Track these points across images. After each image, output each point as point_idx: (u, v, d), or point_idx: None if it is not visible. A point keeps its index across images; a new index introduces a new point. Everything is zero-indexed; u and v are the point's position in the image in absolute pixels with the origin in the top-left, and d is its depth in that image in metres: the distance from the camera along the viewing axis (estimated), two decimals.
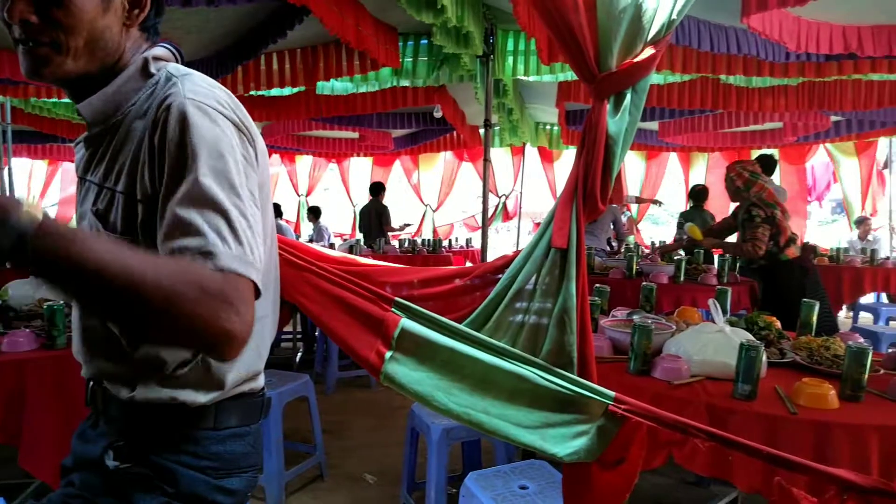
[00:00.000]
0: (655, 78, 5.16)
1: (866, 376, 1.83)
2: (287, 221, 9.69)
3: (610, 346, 2.24)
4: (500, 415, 1.18)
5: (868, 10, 3.62)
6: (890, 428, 1.64)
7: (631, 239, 8.32)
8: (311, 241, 8.74)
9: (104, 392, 1.04)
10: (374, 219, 8.11)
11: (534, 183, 11.39)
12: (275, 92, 5.66)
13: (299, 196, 11.42)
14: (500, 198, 11.07)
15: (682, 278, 4.05)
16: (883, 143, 8.83)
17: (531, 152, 10.66)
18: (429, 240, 8.36)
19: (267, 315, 1.07)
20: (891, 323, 6.22)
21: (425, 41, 4.95)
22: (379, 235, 7.86)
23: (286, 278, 1.13)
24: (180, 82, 0.89)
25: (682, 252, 5.00)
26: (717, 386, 1.88)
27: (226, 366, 1.00)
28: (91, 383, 1.07)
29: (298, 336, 5.58)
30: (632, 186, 10.63)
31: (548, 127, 8.50)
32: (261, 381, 1.11)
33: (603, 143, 1.22)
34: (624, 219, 9.80)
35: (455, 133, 8.39)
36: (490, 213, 10.51)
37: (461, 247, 8.64)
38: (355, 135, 8.25)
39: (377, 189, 8.30)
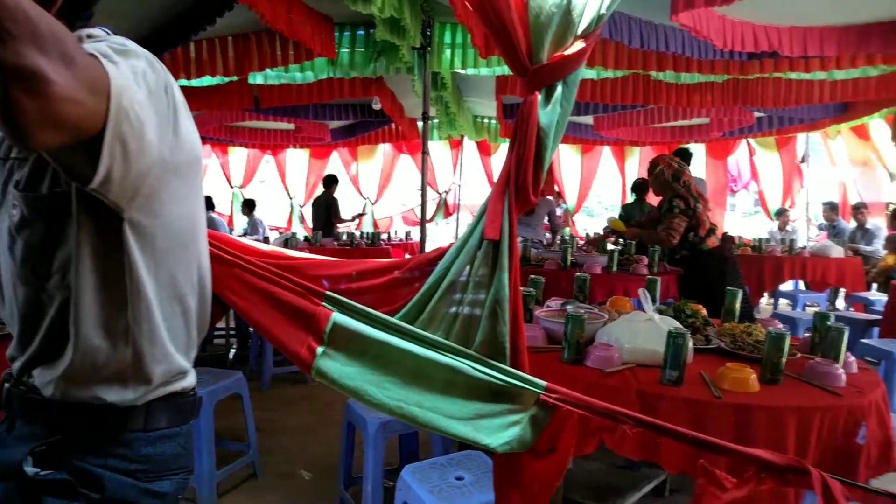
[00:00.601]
0: (589, 73, 5.27)
1: (784, 360, 1.92)
2: (220, 214, 9.42)
3: (545, 336, 2.27)
4: (434, 407, 1.18)
5: (785, 13, 3.81)
6: (805, 409, 1.73)
7: (566, 231, 8.49)
8: (245, 234, 8.57)
9: (21, 393, 0.98)
10: (322, 211, 8.09)
11: (473, 176, 11.46)
12: (206, 81, 5.47)
13: (233, 188, 11.11)
14: (440, 193, 11.08)
15: (614, 269, 4.16)
16: (801, 138, 9.31)
17: (470, 145, 10.73)
18: (368, 232, 8.30)
19: (192, 311, 1.03)
20: (808, 309, 6.58)
21: (362, 32, 4.89)
22: (327, 228, 7.80)
23: (213, 274, 1.09)
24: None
25: (621, 242, 5.16)
26: (647, 373, 1.93)
27: (154, 359, 0.95)
28: (6, 384, 1.01)
29: (232, 332, 5.43)
30: (568, 179, 10.84)
31: (486, 120, 8.57)
32: (191, 380, 1.07)
33: (535, 136, 1.23)
34: (559, 211, 10.01)
35: (394, 125, 8.35)
36: (429, 206, 10.55)
37: (400, 240, 8.61)
38: (291, 126, 8.09)
39: (329, 182, 8.27)
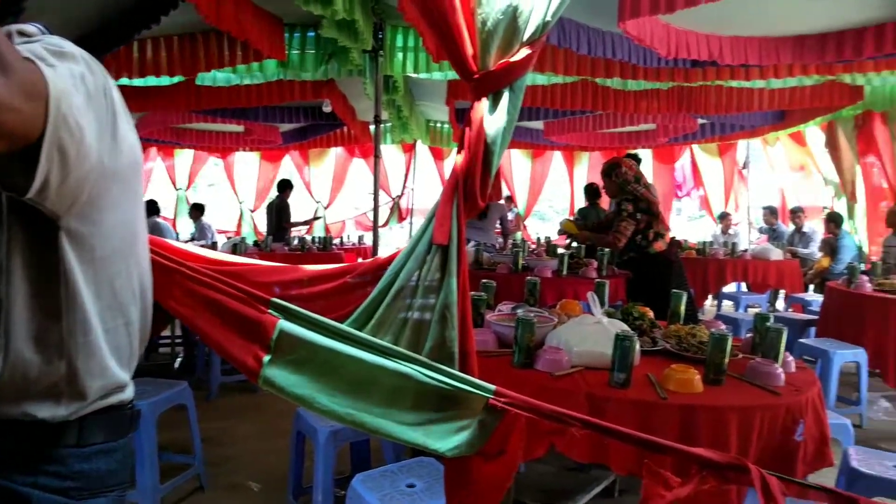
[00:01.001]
0: (540, 79, 5.34)
1: (727, 361, 1.98)
2: (165, 219, 9.16)
3: (496, 340, 2.28)
4: (384, 414, 1.17)
5: (725, 23, 3.94)
6: (746, 408, 1.79)
7: (518, 235, 8.57)
8: (192, 239, 8.39)
9: None
10: (274, 216, 8.07)
11: (426, 180, 11.46)
12: (151, 81, 5.31)
13: (177, 190, 10.81)
14: (393, 198, 11.03)
15: (564, 272, 4.22)
16: (742, 145, 9.66)
17: (423, 149, 10.74)
18: (320, 237, 8.20)
19: (133, 321, 0.99)
20: (749, 310, 6.81)
21: (312, 33, 4.83)
22: (279, 232, 7.73)
23: (154, 281, 1.05)
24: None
25: (573, 246, 5.24)
26: (596, 375, 1.96)
27: (90, 373, 0.91)
28: None
29: (178, 340, 5.27)
30: (518, 184, 10.95)
31: (438, 125, 8.59)
32: (129, 393, 1.03)
33: (482, 141, 1.24)
34: (511, 215, 10.11)
35: (346, 128, 8.28)
36: (383, 211, 10.49)
37: (353, 244, 8.53)
38: (240, 128, 7.94)
39: (283, 186, 8.22)
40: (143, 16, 3.77)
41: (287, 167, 11.13)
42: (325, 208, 11.19)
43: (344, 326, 1.20)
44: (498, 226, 6.81)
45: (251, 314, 1.15)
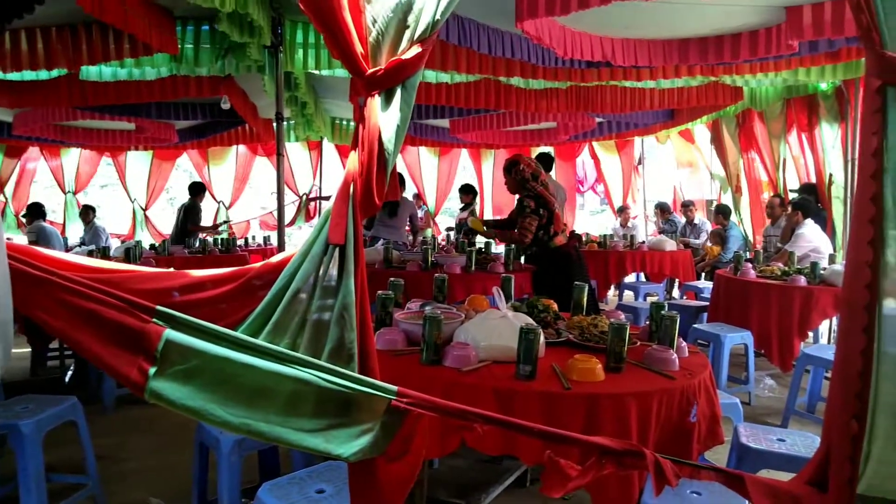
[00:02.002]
0: (443, 77, 5.37)
1: (626, 349, 2.06)
2: (52, 223, 8.51)
3: (404, 339, 2.27)
4: (283, 422, 1.12)
5: (617, 25, 4.12)
6: (645, 394, 1.87)
7: (428, 232, 8.61)
8: (83, 243, 7.86)
9: None
10: (180, 218, 7.91)
11: (335, 179, 11.26)
12: (28, 76, 4.91)
13: (66, 193, 10.08)
14: (300, 197, 10.77)
15: (472, 268, 4.27)
16: (637, 142, 10.14)
17: (329, 148, 10.54)
18: (223, 239, 7.88)
19: None
20: (648, 299, 7.16)
21: (207, 27, 4.61)
22: (182, 235, 7.54)
23: (19, 292, 0.96)
24: None
25: (481, 242, 5.31)
26: (503, 369, 1.99)
27: None
28: None
29: (67, 352, 4.91)
30: (427, 182, 10.97)
31: (344, 122, 8.45)
32: None
33: (376, 139, 1.21)
34: (421, 213, 10.13)
35: (248, 126, 8.00)
36: (290, 210, 10.22)
37: (259, 245, 8.25)
38: (131, 126, 7.48)
39: (196, 189, 8.10)
40: (14, 5, 3.47)
41: (185, 166, 10.61)
42: (228, 208, 10.76)
43: (237, 333, 1.14)
44: (408, 223, 6.82)
45: (133, 324, 1.07)
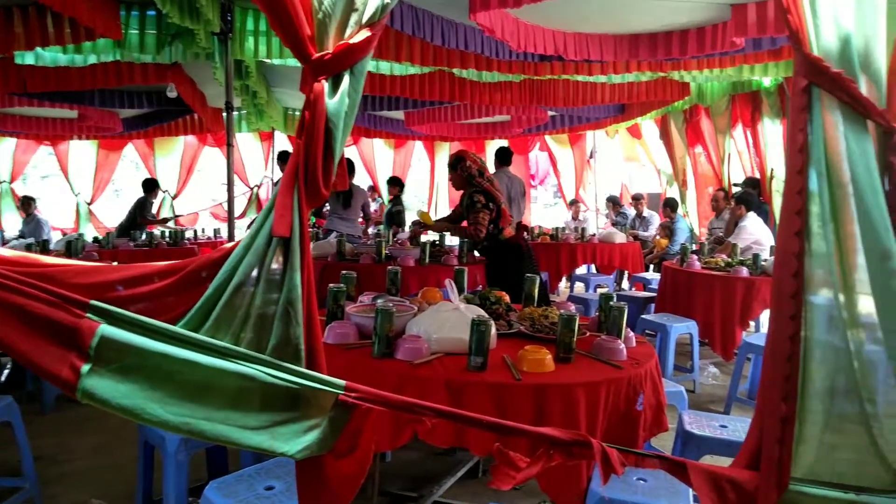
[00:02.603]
0: (398, 69, 5.32)
1: (575, 339, 2.08)
2: None
3: (356, 332, 2.24)
4: (225, 419, 1.09)
5: (571, 20, 4.15)
6: (593, 383, 1.89)
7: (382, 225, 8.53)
8: (22, 236, 7.53)
9: None
10: (131, 212, 7.84)
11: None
12: None
13: (0, 183, 9.63)
14: (251, 188, 10.55)
15: (426, 261, 4.26)
16: (589, 136, 10.29)
17: (282, 138, 10.35)
18: (170, 230, 7.65)
19: None
20: (598, 290, 7.29)
21: (153, 12, 4.46)
22: (131, 229, 7.35)
23: None
24: None
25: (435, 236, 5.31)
26: (455, 361, 1.99)
27: None
28: None
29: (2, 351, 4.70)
30: (381, 174, 10.90)
31: (297, 112, 8.30)
32: None
33: (323, 126, 1.19)
34: (375, 205, 10.06)
35: (196, 115, 7.78)
36: (241, 201, 10.00)
37: (208, 237, 8.05)
38: (73, 114, 7.18)
39: (149, 186, 8.03)
40: None
41: (132, 157, 10.26)
42: (174, 199, 10.46)
43: (177, 328, 1.10)
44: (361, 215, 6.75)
45: (65, 319, 1.02)
